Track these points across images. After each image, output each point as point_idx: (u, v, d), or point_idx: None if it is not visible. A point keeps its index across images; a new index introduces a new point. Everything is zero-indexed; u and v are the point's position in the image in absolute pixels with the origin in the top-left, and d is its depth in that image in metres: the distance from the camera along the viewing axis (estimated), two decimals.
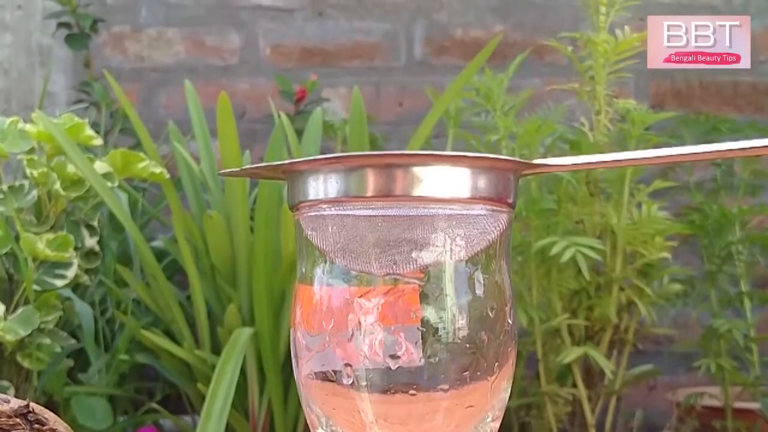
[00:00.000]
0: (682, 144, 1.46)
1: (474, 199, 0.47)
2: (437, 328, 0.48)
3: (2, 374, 1.31)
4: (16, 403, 0.58)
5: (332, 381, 0.49)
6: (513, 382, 0.52)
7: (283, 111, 1.54)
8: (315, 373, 0.50)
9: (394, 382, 0.48)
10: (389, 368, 0.48)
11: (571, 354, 1.29)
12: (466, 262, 0.49)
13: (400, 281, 0.48)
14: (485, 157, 0.48)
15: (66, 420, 1.38)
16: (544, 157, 1.36)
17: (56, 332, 1.34)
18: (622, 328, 1.38)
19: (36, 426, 0.58)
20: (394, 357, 0.48)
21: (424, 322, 0.48)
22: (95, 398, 1.42)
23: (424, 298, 0.48)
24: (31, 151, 1.34)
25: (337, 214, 0.48)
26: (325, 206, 0.48)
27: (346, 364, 0.49)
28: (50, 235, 1.29)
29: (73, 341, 1.37)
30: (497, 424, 0.51)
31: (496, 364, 0.49)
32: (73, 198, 1.35)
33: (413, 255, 0.48)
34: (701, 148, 0.49)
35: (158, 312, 1.48)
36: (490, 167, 0.47)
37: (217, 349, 1.40)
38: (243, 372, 1.35)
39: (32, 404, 0.58)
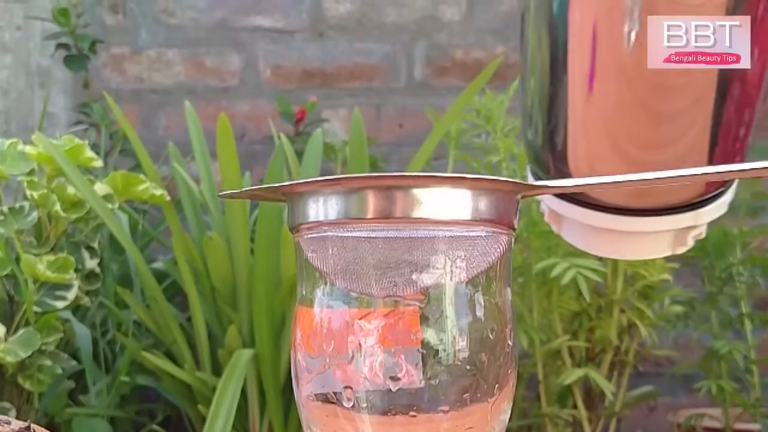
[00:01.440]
0: None
1: (475, 221, 0.47)
2: (437, 350, 0.48)
3: (3, 396, 1.31)
4: (17, 424, 0.58)
5: (333, 403, 0.49)
6: (513, 404, 0.51)
7: (283, 132, 1.54)
8: (315, 395, 0.50)
9: (394, 404, 0.48)
10: (389, 390, 0.48)
11: (572, 375, 1.29)
12: (467, 283, 0.49)
13: (400, 303, 0.48)
14: (486, 179, 0.48)
15: None
16: None
17: (57, 354, 1.34)
18: (622, 350, 1.38)
19: None
20: (394, 379, 0.48)
21: (425, 344, 0.48)
22: (96, 420, 1.41)
23: (424, 320, 0.48)
24: (31, 172, 1.34)
25: (338, 236, 0.48)
26: (325, 228, 0.48)
27: (347, 387, 0.49)
28: (51, 257, 1.29)
29: (74, 363, 1.37)
30: None
31: (497, 385, 0.49)
32: (74, 220, 1.35)
33: (413, 277, 0.48)
34: (703, 169, 0.49)
35: (159, 334, 1.48)
36: (490, 189, 0.47)
37: (217, 371, 1.39)
38: (244, 393, 1.35)
39: (33, 426, 0.58)
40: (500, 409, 0.50)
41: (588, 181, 0.52)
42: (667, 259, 1.36)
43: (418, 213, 0.46)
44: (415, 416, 0.48)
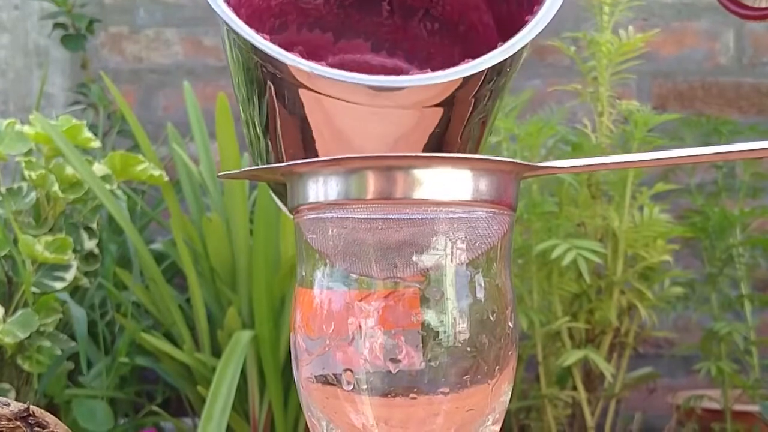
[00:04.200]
0: (684, 146, 1.45)
1: (475, 202, 0.47)
2: (438, 332, 0.48)
3: (2, 377, 1.31)
4: (16, 406, 0.58)
5: (333, 384, 0.49)
6: (513, 385, 0.51)
7: None
8: (315, 377, 0.50)
9: (394, 386, 0.48)
10: (390, 372, 0.48)
11: (572, 357, 1.29)
12: (467, 265, 0.48)
13: (400, 284, 0.48)
14: (486, 160, 0.47)
15: (67, 423, 1.38)
16: (546, 159, 1.35)
17: (56, 335, 1.33)
18: (622, 332, 1.38)
19: (36, 429, 0.57)
20: (394, 360, 0.48)
21: (425, 326, 0.48)
22: (96, 401, 1.41)
23: (424, 301, 0.48)
24: (29, 153, 1.34)
25: (338, 217, 0.47)
26: (325, 209, 0.48)
27: (347, 369, 0.48)
28: (49, 238, 1.29)
29: (73, 344, 1.37)
30: (497, 427, 0.51)
31: (497, 367, 0.49)
32: (72, 200, 1.34)
33: (414, 258, 0.47)
34: (703, 150, 0.49)
35: (158, 315, 1.48)
36: (491, 170, 0.47)
37: (217, 352, 1.39)
38: (243, 375, 1.35)
39: (32, 407, 0.58)
40: (501, 391, 0.50)
41: (586, 162, 0.52)
42: (668, 240, 1.36)
43: (418, 194, 0.46)
44: (415, 398, 0.48)
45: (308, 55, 0.53)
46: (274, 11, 0.53)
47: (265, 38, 0.46)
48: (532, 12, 0.49)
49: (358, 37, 0.55)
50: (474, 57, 0.50)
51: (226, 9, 0.47)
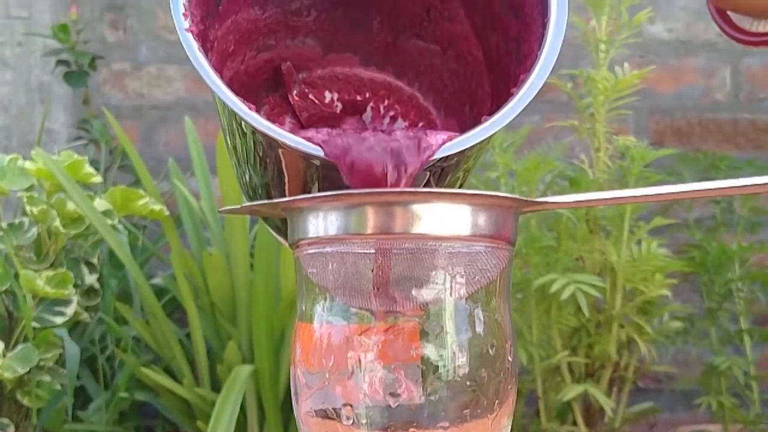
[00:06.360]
0: (682, 181, 1.46)
1: (474, 237, 0.47)
2: (437, 366, 0.48)
3: (2, 412, 1.31)
4: None
5: (332, 419, 0.49)
6: (513, 420, 0.51)
7: None
8: (315, 411, 0.50)
9: (394, 420, 0.48)
10: (389, 406, 0.48)
11: (572, 391, 1.29)
12: (466, 299, 0.49)
13: (400, 319, 0.48)
14: (485, 195, 0.48)
15: None
16: (544, 194, 1.36)
17: (56, 369, 1.33)
18: (622, 366, 1.38)
19: None
20: (394, 395, 0.48)
21: (424, 360, 0.48)
22: None
23: (424, 335, 0.48)
24: (31, 188, 1.34)
25: (337, 252, 0.48)
26: (325, 244, 0.48)
27: (346, 404, 0.49)
28: (50, 272, 1.29)
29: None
30: None
31: (497, 401, 0.49)
32: (73, 235, 1.35)
33: (413, 292, 0.48)
34: (701, 185, 0.49)
35: (158, 349, 1.48)
36: (489, 205, 0.47)
37: (216, 387, 1.39)
38: (243, 409, 1.35)
39: None
40: (500, 425, 0.50)
41: (584, 197, 0.52)
42: (667, 274, 1.36)
43: (417, 229, 0.46)
44: None
45: (297, 69, 0.53)
46: (263, 31, 0.53)
47: (250, 108, 0.47)
48: (519, 53, 0.50)
49: (348, 51, 0.56)
50: (461, 82, 0.51)
51: (213, 75, 0.48)
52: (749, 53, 1.82)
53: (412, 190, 0.47)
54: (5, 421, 1.29)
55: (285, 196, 0.51)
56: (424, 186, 0.49)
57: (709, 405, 1.43)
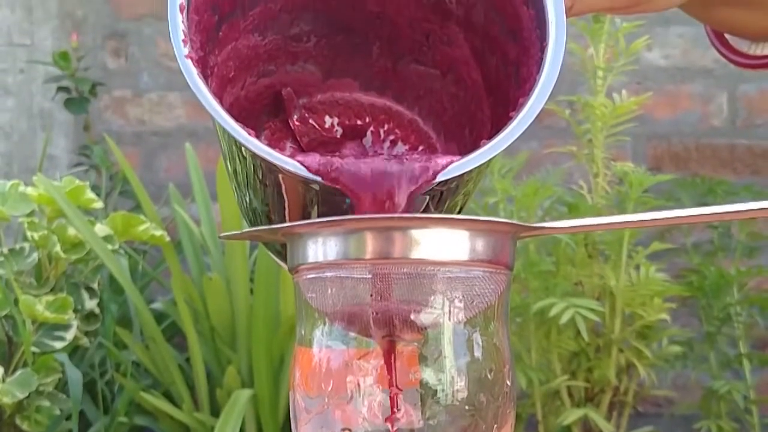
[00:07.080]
0: (680, 206, 1.47)
1: (472, 262, 0.47)
2: (436, 390, 0.48)
3: None
4: None
5: None
6: None
7: None
8: None
9: None
10: (388, 430, 0.48)
11: (571, 416, 1.29)
12: (465, 324, 0.49)
13: (398, 343, 0.49)
14: (482, 220, 0.48)
15: None
16: (543, 219, 1.37)
17: (55, 395, 1.33)
18: (621, 390, 1.38)
19: None
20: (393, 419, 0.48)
21: (423, 384, 0.48)
22: None
23: (422, 359, 0.48)
24: (32, 214, 1.35)
25: (336, 277, 0.48)
26: (324, 269, 0.48)
27: (345, 428, 0.49)
28: (50, 297, 1.29)
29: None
30: None
31: (495, 426, 0.49)
32: (74, 260, 1.35)
33: (412, 317, 0.48)
34: (699, 210, 0.49)
35: (157, 374, 1.48)
36: (487, 230, 0.48)
37: (216, 411, 1.39)
38: None
39: None
40: None
41: (582, 222, 0.53)
42: (665, 299, 1.36)
43: (416, 254, 0.46)
44: None
45: (297, 94, 0.54)
46: (263, 57, 0.54)
47: (250, 133, 0.47)
48: (518, 77, 0.50)
49: (348, 76, 0.56)
50: (460, 106, 0.51)
51: (212, 100, 0.48)
52: (746, 79, 1.82)
53: (411, 215, 0.47)
54: None
55: (285, 219, 0.51)
56: (423, 210, 0.49)
57: (709, 429, 1.43)
